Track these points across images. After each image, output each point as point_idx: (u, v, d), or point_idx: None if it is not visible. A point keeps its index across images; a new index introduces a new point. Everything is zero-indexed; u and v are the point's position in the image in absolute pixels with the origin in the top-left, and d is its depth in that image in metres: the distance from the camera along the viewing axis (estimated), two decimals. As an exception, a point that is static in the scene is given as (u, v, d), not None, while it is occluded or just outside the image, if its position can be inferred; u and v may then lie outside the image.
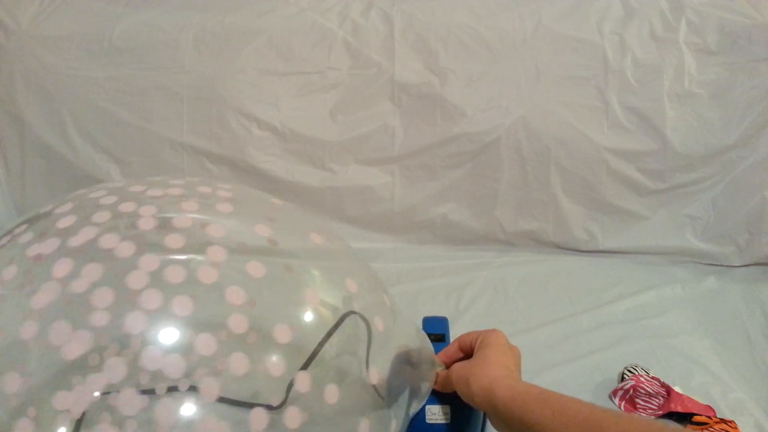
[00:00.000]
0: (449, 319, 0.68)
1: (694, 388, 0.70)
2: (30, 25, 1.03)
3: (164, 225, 0.42)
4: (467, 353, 0.53)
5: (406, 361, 0.56)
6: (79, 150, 1.01)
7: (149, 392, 0.35)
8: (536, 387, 0.45)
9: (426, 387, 0.55)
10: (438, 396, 0.55)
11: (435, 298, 0.89)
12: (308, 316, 0.44)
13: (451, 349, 0.55)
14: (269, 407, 0.65)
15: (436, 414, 0.54)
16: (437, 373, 0.55)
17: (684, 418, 0.65)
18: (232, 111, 0.98)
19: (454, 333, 0.58)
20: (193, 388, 0.36)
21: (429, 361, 0.55)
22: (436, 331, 0.64)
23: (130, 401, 0.35)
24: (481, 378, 0.47)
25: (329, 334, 0.55)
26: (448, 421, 0.54)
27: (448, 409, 0.54)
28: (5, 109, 1.02)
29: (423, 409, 0.54)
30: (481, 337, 0.53)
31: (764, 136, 0.93)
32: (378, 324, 0.50)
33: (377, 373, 0.56)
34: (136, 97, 0.99)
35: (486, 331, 0.53)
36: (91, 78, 1.00)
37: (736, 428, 0.63)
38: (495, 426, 0.48)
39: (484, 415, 0.56)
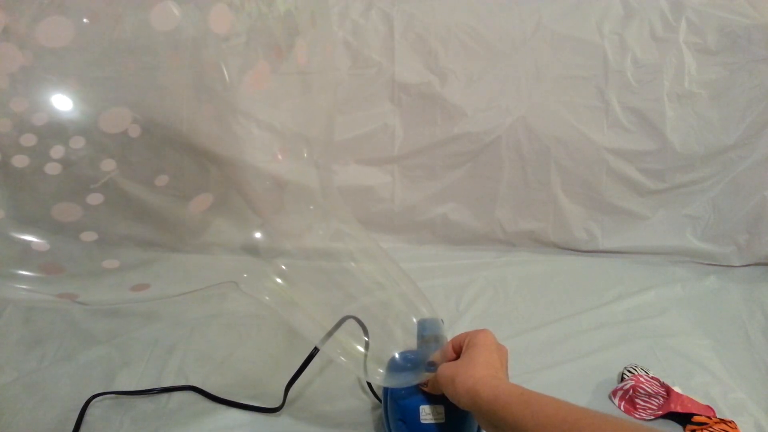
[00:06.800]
0: (449, 320, 0.68)
1: (693, 388, 0.70)
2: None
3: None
4: (459, 354, 0.53)
5: (404, 361, 0.56)
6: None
7: None
8: (519, 387, 0.45)
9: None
10: (432, 396, 0.55)
11: (435, 299, 0.87)
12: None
13: (445, 351, 0.55)
14: (268, 410, 0.65)
15: (430, 414, 0.54)
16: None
17: (684, 418, 0.65)
18: (232, 111, 0.98)
19: (455, 332, 0.58)
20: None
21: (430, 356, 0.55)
22: (431, 333, 0.64)
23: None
24: (466, 378, 0.47)
25: (327, 336, 0.55)
26: (443, 421, 0.54)
27: (442, 409, 0.54)
28: None
29: (417, 410, 0.54)
30: (469, 337, 0.53)
31: (764, 136, 0.93)
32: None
33: (374, 374, 0.56)
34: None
35: (475, 331, 0.53)
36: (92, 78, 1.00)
37: (735, 428, 0.63)
38: (481, 425, 0.48)
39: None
